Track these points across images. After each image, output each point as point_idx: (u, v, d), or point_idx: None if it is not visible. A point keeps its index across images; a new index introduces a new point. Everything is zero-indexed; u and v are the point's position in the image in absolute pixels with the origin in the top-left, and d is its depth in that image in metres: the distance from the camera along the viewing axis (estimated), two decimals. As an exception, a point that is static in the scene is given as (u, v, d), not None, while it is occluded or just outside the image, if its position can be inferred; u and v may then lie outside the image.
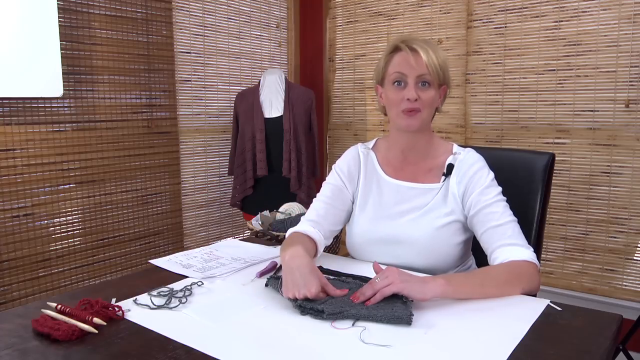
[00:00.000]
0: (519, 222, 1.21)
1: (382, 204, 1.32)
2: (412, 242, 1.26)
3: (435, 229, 1.25)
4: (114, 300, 1.04)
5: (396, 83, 1.25)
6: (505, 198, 1.24)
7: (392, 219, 1.29)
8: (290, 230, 1.31)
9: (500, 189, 1.25)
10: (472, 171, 1.26)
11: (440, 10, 2.92)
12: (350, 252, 1.39)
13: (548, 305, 1.02)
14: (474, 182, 1.25)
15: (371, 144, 1.41)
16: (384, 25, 3.17)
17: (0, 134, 2.15)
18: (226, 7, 3.07)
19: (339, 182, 1.37)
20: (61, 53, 2.22)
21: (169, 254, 1.38)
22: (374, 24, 3.22)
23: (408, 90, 1.22)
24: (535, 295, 1.11)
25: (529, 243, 1.21)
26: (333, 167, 1.41)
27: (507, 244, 1.16)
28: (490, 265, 1.17)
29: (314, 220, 1.32)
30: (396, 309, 0.95)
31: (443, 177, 1.29)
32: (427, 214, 1.27)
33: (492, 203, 1.21)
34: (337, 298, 1.01)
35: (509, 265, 1.13)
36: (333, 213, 1.34)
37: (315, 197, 1.40)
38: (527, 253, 1.15)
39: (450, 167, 1.28)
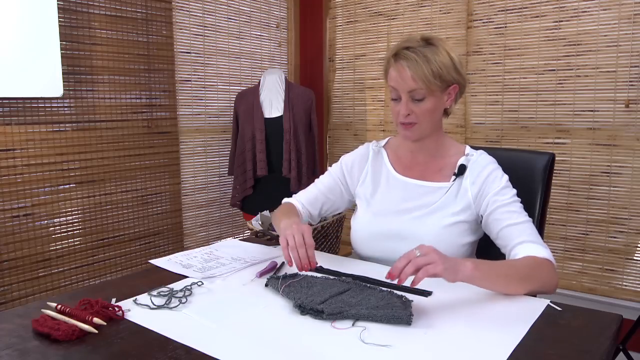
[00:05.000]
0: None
1: (388, 200, 1.34)
2: (415, 239, 1.24)
3: (441, 228, 1.25)
4: (114, 300, 1.04)
5: (393, 96, 1.27)
6: (520, 199, 1.24)
7: (397, 215, 1.30)
8: (284, 200, 1.47)
9: (515, 191, 1.25)
10: (486, 172, 1.26)
11: (440, 10, 2.92)
12: (353, 246, 1.40)
13: (548, 305, 1.02)
14: (489, 183, 1.25)
15: (383, 142, 1.44)
16: (384, 25, 3.17)
17: (0, 134, 2.15)
18: (226, 7, 3.07)
19: (338, 174, 1.43)
20: (61, 53, 2.21)
21: (169, 254, 1.38)
22: (374, 24, 3.22)
23: (402, 106, 1.24)
24: (535, 296, 1.11)
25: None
26: (341, 157, 1.46)
27: (528, 241, 1.16)
28: (514, 259, 1.16)
29: (302, 203, 1.44)
30: (396, 309, 0.95)
31: (453, 177, 1.29)
32: (434, 213, 1.27)
33: (509, 203, 1.22)
34: (337, 298, 1.01)
35: (532, 260, 1.12)
36: (322, 201, 1.44)
37: None
38: (546, 252, 1.15)
39: (463, 167, 1.29)
